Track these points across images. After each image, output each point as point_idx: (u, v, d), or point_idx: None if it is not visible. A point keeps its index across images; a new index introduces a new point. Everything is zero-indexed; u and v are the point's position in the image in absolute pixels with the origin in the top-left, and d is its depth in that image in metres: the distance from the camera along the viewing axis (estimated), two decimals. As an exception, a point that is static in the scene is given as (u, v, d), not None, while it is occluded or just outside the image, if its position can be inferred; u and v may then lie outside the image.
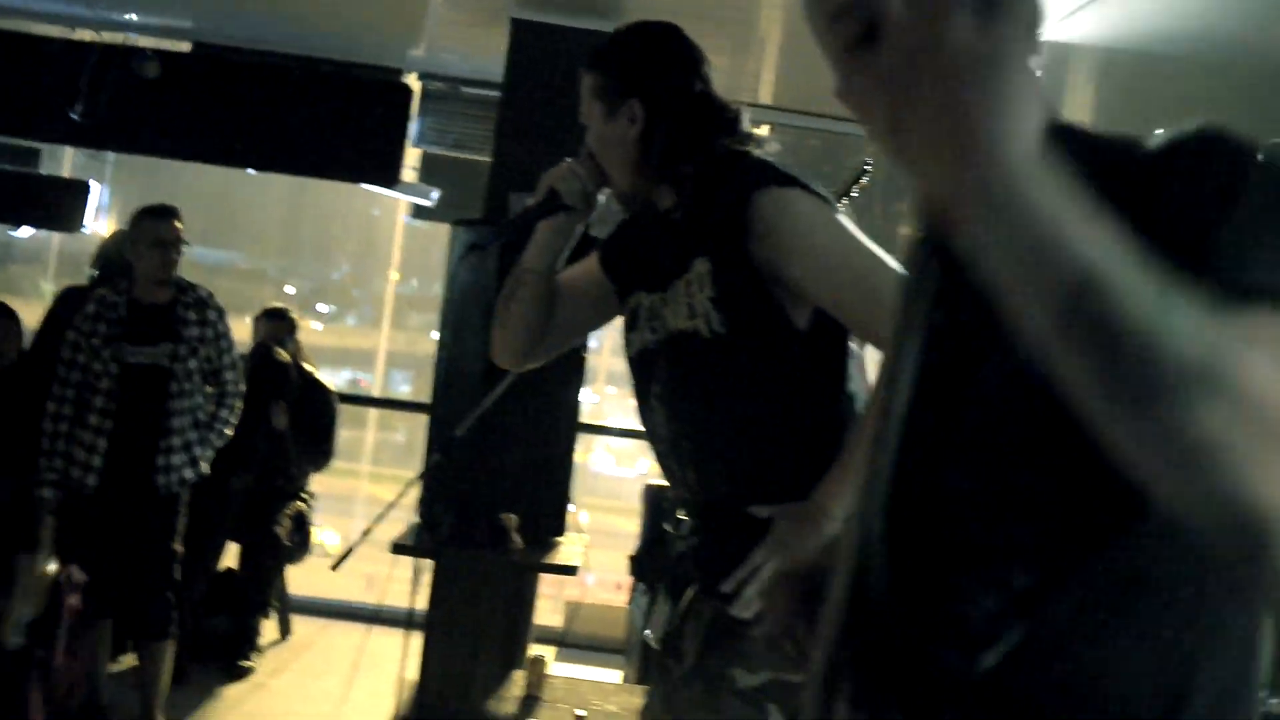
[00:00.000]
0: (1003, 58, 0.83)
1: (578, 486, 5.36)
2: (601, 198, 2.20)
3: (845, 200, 2.23)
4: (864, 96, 0.89)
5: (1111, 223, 0.86)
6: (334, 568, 3.35)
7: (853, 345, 2.04)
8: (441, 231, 6.31)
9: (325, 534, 10.41)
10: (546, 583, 6.08)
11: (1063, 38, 5.66)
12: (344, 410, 6.07)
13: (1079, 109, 5.80)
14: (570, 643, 5.99)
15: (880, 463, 1.20)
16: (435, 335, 5.52)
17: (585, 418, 6.80)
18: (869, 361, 2.06)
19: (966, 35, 0.83)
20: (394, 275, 17.74)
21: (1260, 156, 0.98)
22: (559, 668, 5.20)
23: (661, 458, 2.15)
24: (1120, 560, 1.04)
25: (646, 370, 2.14)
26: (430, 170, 6.76)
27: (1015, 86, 0.83)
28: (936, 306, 1.17)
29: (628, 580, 5.31)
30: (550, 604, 6.81)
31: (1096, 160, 1.08)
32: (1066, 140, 1.12)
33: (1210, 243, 0.94)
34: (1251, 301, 0.89)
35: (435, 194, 6.66)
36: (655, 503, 4.92)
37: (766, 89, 6.31)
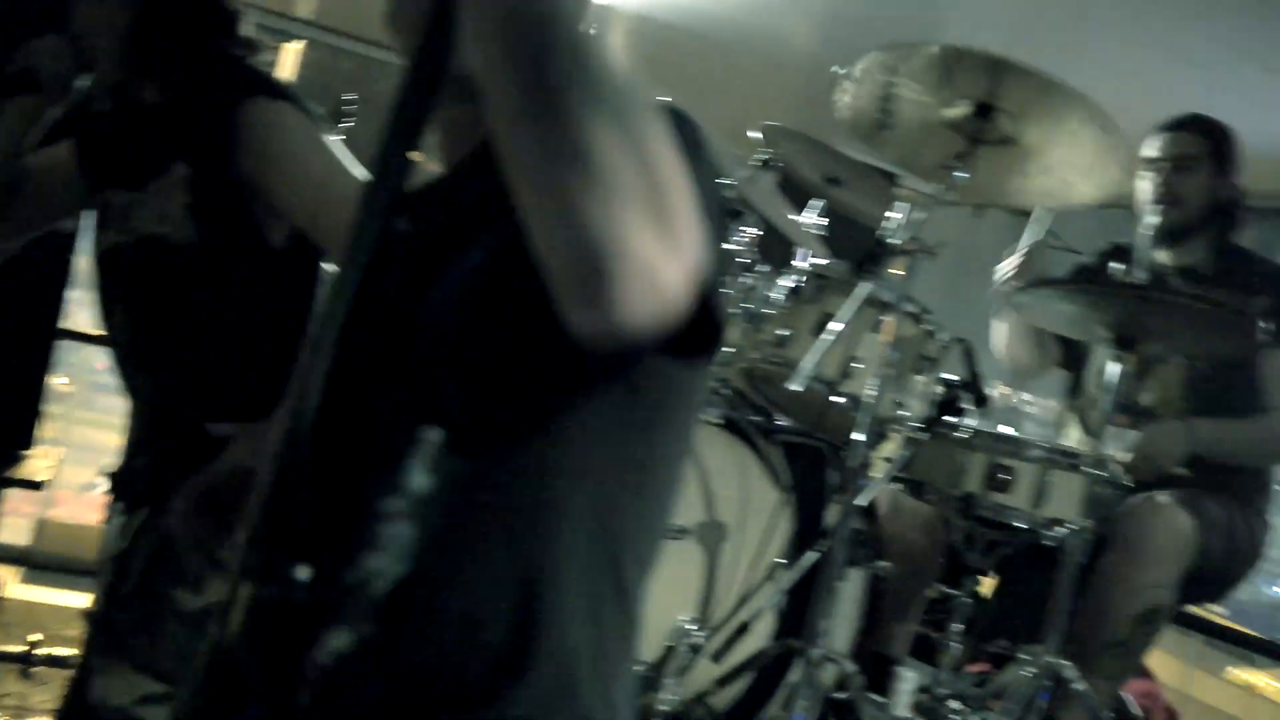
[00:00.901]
0: None
1: (73, 399, 5.02)
2: (83, 83, 2.05)
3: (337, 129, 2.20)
4: None
5: None
6: None
7: (327, 268, 2.02)
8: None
9: None
10: (19, 500, 5.67)
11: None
12: None
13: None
14: (37, 563, 5.60)
15: (314, 366, 1.22)
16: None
17: (78, 326, 6.35)
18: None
19: None
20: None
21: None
22: (23, 590, 4.86)
23: (120, 365, 2.05)
24: (502, 483, 1.11)
25: (111, 271, 2.04)
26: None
27: None
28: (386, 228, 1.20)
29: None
30: (24, 522, 6.36)
31: None
32: None
33: None
34: None
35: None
36: (141, 419, 4.69)
37: (307, 4, 6.13)
